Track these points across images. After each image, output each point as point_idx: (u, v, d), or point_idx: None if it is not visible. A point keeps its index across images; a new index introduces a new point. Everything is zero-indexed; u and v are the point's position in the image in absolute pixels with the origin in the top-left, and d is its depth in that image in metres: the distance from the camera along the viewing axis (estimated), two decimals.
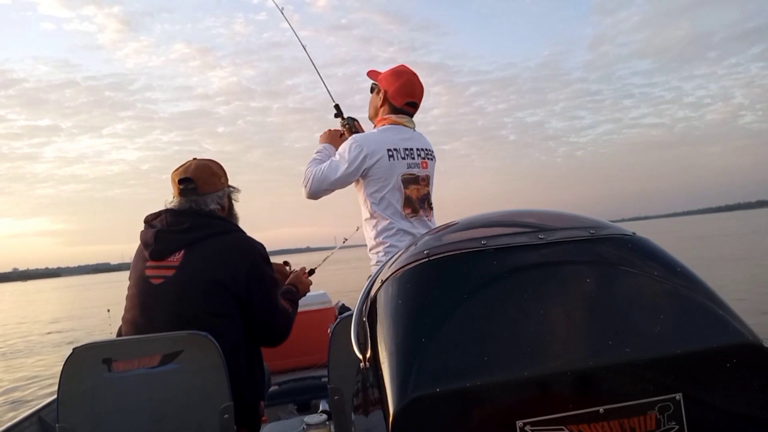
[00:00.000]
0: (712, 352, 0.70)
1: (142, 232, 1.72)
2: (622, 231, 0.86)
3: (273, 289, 1.77)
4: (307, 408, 2.80)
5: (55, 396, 1.43)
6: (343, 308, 3.74)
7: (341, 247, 2.69)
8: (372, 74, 2.26)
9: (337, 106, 2.43)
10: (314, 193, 2.12)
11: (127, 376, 1.42)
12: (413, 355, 0.69)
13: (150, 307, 1.62)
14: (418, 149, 2.16)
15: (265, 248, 1.76)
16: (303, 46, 2.57)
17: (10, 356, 10.67)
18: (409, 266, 0.82)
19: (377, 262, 2.11)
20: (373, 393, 0.74)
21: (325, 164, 2.12)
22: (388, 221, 2.09)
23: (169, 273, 1.62)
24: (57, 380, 1.41)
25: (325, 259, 2.52)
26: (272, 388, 2.73)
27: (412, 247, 0.87)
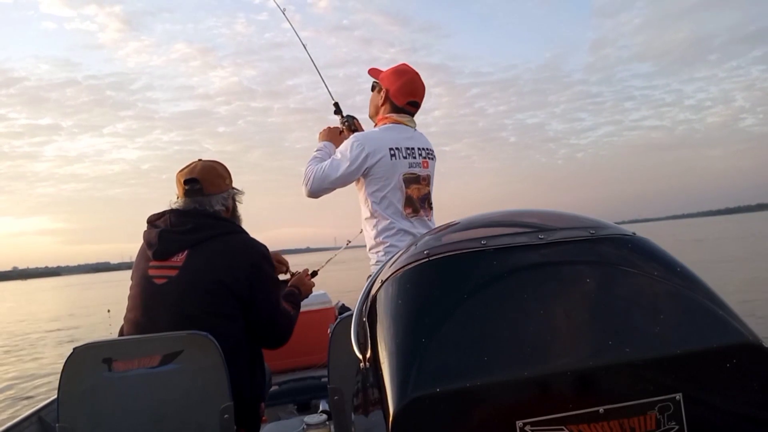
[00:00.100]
0: (712, 352, 0.70)
1: (145, 231, 1.72)
2: (622, 231, 0.86)
3: (275, 290, 1.78)
4: (307, 408, 2.79)
5: (55, 396, 1.43)
6: (343, 308, 3.74)
7: (345, 248, 2.68)
8: (373, 72, 2.24)
9: (336, 104, 2.42)
10: (315, 192, 2.11)
11: (128, 376, 1.42)
12: (413, 355, 0.69)
13: (152, 307, 1.62)
14: (419, 149, 2.15)
15: (267, 249, 1.76)
16: (303, 45, 2.57)
17: (10, 356, 10.67)
18: (410, 266, 0.82)
19: (377, 261, 2.10)
20: (373, 393, 0.74)
21: (325, 163, 2.10)
22: (388, 221, 2.08)
23: (173, 273, 1.62)
24: (57, 380, 1.42)
25: (328, 261, 2.52)
26: (272, 388, 2.73)
27: (413, 247, 0.87)
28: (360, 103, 2.36)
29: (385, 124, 2.15)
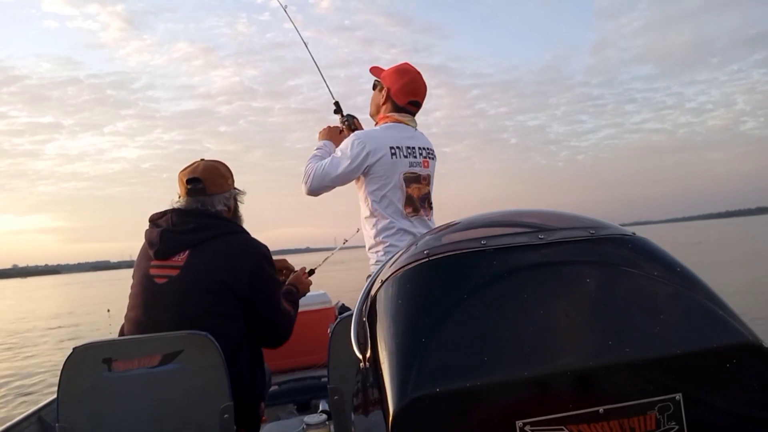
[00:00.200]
0: (712, 352, 0.70)
1: (147, 231, 1.72)
2: (622, 231, 0.86)
3: (276, 290, 1.78)
4: (307, 408, 2.79)
5: (55, 395, 1.43)
6: (343, 308, 3.74)
7: (341, 248, 2.68)
8: (375, 71, 2.23)
9: (336, 103, 2.41)
10: (314, 190, 2.10)
11: (127, 375, 1.42)
12: (413, 355, 0.69)
13: (153, 306, 1.62)
14: (420, 148, 2.15)
15: (269, 250, 1.77)
16: (305, 44, 2.57)
17: (10, 355, 10.68)
18: (410, 266, 0.82)
19: (377, 261, 2.10)
20: (373, 393, 0.74)
21: (326, 161, 2.09)
22: (388, 220, 2.08)
23: (174, 273, 1.62)
24: (56, 379, 1.42)
25: (325, 260, 2.52)
26: (272, 388, 2.73)
27: (413, 247, 0.87)
28: (361, 103, 2.36)
29: (386, 123, 2.14)
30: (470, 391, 0.65)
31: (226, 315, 1.62)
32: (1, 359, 10.24)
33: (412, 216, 2.11)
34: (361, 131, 2.20)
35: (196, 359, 1.44)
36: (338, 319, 1.45)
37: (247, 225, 1.84)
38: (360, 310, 0.87)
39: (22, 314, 22.00)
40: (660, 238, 0.87)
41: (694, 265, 0.80)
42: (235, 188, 1.84)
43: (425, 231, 1.99)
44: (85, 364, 1.42)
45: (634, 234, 0.86)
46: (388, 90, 2.13)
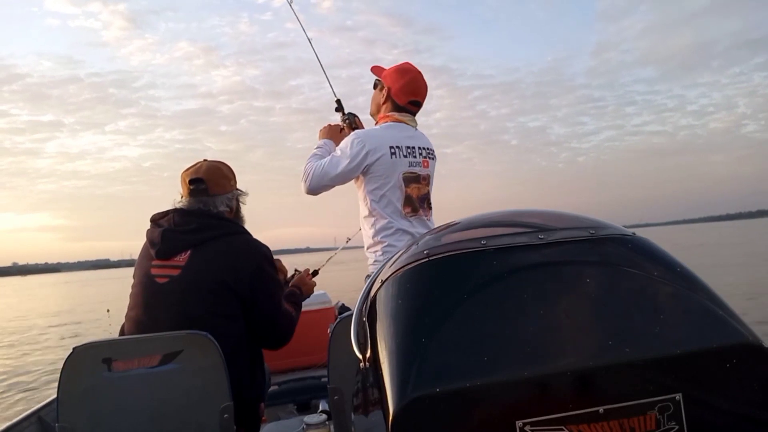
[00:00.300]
0: (712, 352, 0.70)
1: (148, 230, 1.72)
2: (622, 231, 0.86)
3: (277, 291, 1.78)
4: (307, 408, 2.79)
5: (55, 395, 1.43)
6: (343, 308, 3.74)
7: (344, 248, 2.68)
8: (376, 70, 2.23)
9: (338, 101, 2.41)
10: (314, 189, 2.09)
11: (127, 375, 1.42)
12: (413, 355, 0.69)
13: (154, 306, 1.62)
14: (419, 148, 2.14)
15: (270, 251, 1.77)
16: (308, 39, 2.56)
17: (10, 354, 10.67)
18: (410, 266, 0.82)
19: (375, 261, 2.10)
20: (373, 393, 0.74)
21: (325, 159, 2.09)
22: (386, 220, 2.07)
23: (175, 273, 1.62)
24: (56, 378, 1.42)
25: (328, 260, 2.52)
26: (272, 388, 2.73)
27: (414, 247, 0.87)
28: (362, 103, 2.35)
29: (386, 122, 2.14)
30: (470, 391, 0.65)
31: (227, 315, 1.62)
32: (1, 360, 10.24)
33: (410, 216, 2.11)
34: (361, 130, 2.19)
35: (196, 359, 1.44)
36: (338, 319, 1.45)
37: (247, 225, 1.84)
38: (360, 310, 0.87)
39: (21, 313, 22.00)
40: (661, 240, 0.87)
41: (694, 267, 0.80)
42: (237, 189, 1.84)
43: (424, 231, 2.00)
44: (85, 364, 1.42)
45: (634, 234, 0.86)
46: (389, 89, 2.13)
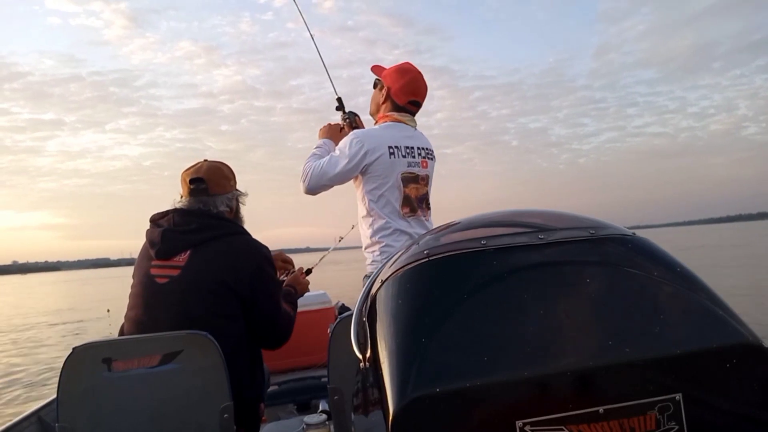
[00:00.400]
0: (712, 352, 0.70)
1: (148, 230, 1.72)
2: (622, 231, 0.86)
3: (276, 291, 1.78)
4: (307, 408, 2.80)
5: (55, 395, 1.43)
6: (343, 308, 3.74)
7: (335, 248, 2.68)
8: (376, 69, 2.22)
9: (339, 99, 2.40)
10: (312, 189, 2.09)
11: (127, 375, 1.42)
12: (413, 355, 0.69)
13: (154, 306, 1.62)
14: (418, 148, 2.14)
15: (269, 251, 1.77)
16: (311, 35, 2.55)
17: (10, 354, 10.67)
18: (410, 266, 0.82)
19: (372, 261, 2.10)
20: (373, 393, 0.74)
21: (324, 159, 2.09)
22: (384, 220, 2.07)
23: (175, 273, 1.62)
24: (56, 379, 1.42)
25: (321, 259, 2.52)
26: (272, 388, 2.73)
27: (414, 247, 0.87)
28: (363, 104, 2.34)
29: (386, 122, 2.14)
30: (470, 391, 0.65)
31: (227, 315, 1.62)
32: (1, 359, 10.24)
33: (409, 216, 2.11)
34: (360, 130, 2.19)
35: (196, 359, 1.44)
36: (338, 319, 1.45)
37: (247, 224, 1.84)
38: (360, 310, 0.87)
39: (21, 311, 21.99)
40: (661, 241, 0.87)
41: (695, 268, 0.81)
42: (237, 189, 1.84)
43: (422, 231, 1.99)
44: (85, 364, 1.42)
45: (634, 234, 0.86)
46: (388, 89, 2.13)
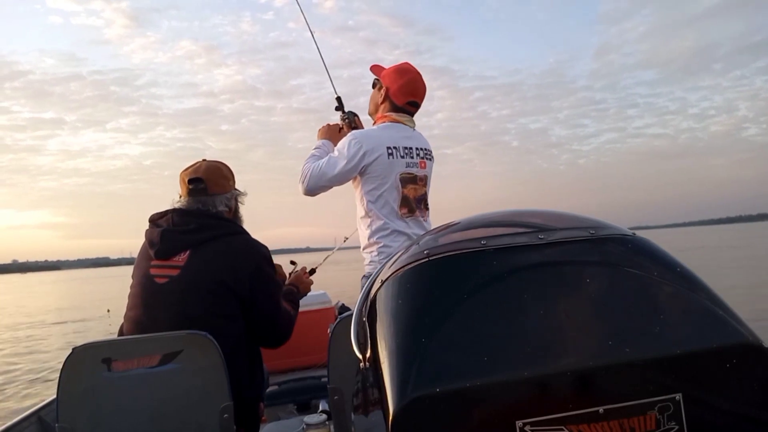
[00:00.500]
0: (712, 352, 0.70)
1: (147, 231, 1.72)
2: (622, 231, 0.86)
3: (276, 291, 1.78)
4: (307, 408, 2.79)
5: (55, 396, 1.43)
6: (343, 308, 3.74)
7: (341, 248, 2.68)
8: (375, 69, 2.22)
9: (338, 99, 2.40)
10: (311, 190, 2.09)
11: (127, 375, 1.42)
12: (413, 355, 0.69)
13: (153, 306, 1.62)
14: (417, 148, 2.14)
15: (269, 251, 1.77)
16: (311, 33, 2.56)
17: (9, 354, 10.66)
18: (410, 266, 0.82)
19: (370, 261, 2.10)
20: (373, 393, 0.74)
21: (323, 160, 2.09)
22: (382, 221, 2.07)
23: (174, 273, 1.62)
24: (56, 379, 1.42)
25: (325, 259, 2.52)
26: (272, 388, 2.73)
27: (414, 247, 0.87)
28: (363, 104, 2.34)
29: (384, 122, 2.14)
30: (470, 391, 0.65)
31: (226, 315, 1.62)
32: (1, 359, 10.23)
33: (407, 217, 2.11)
34: (358, 131, 2.19)
35: (196, 359, 1.44)
36: (338, 319, 1.45)
37: (247, 224, 1.84)
38: (360, 310, 0.87)
39: (20, 310, 21.97)
40: (661, 242, 0.87)
41: (695, 269, 0.81)
42: (236, 189, 1.84)
43: (420, 232, 1.99)
44: (85, 364, 1.42)
45: (634, 234, 0.86)
46: (387, 89, 2.12)
